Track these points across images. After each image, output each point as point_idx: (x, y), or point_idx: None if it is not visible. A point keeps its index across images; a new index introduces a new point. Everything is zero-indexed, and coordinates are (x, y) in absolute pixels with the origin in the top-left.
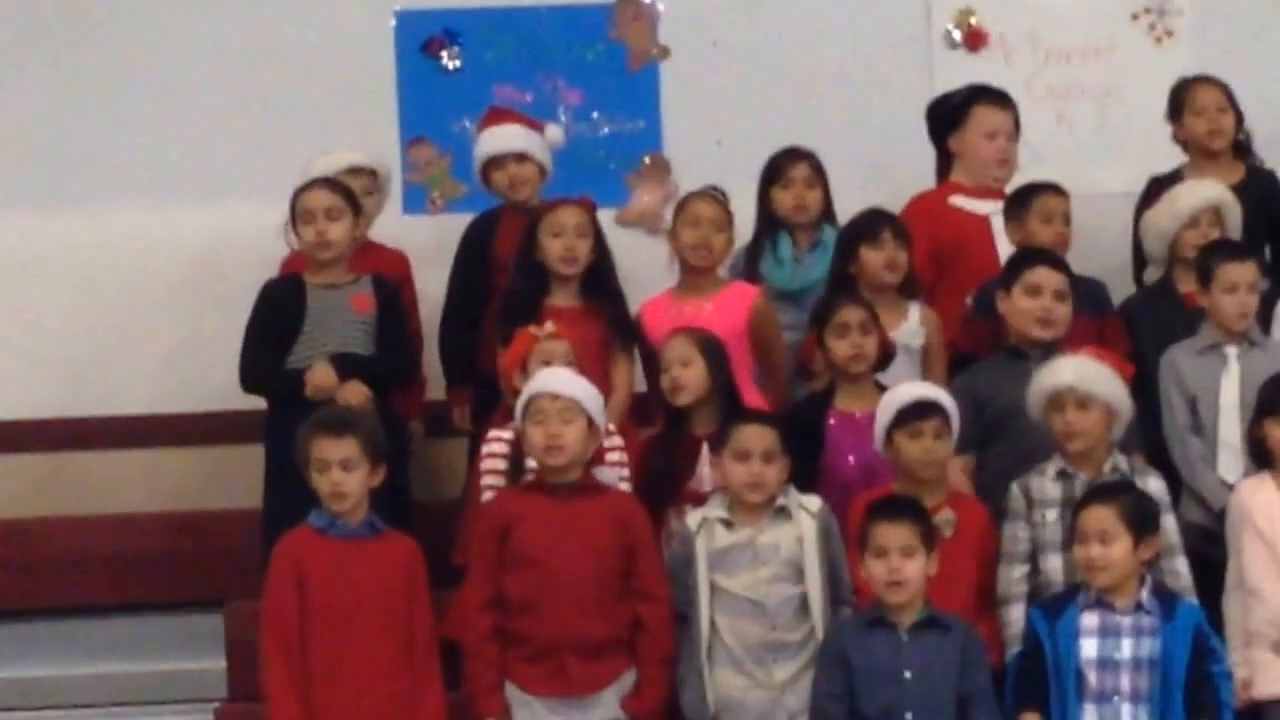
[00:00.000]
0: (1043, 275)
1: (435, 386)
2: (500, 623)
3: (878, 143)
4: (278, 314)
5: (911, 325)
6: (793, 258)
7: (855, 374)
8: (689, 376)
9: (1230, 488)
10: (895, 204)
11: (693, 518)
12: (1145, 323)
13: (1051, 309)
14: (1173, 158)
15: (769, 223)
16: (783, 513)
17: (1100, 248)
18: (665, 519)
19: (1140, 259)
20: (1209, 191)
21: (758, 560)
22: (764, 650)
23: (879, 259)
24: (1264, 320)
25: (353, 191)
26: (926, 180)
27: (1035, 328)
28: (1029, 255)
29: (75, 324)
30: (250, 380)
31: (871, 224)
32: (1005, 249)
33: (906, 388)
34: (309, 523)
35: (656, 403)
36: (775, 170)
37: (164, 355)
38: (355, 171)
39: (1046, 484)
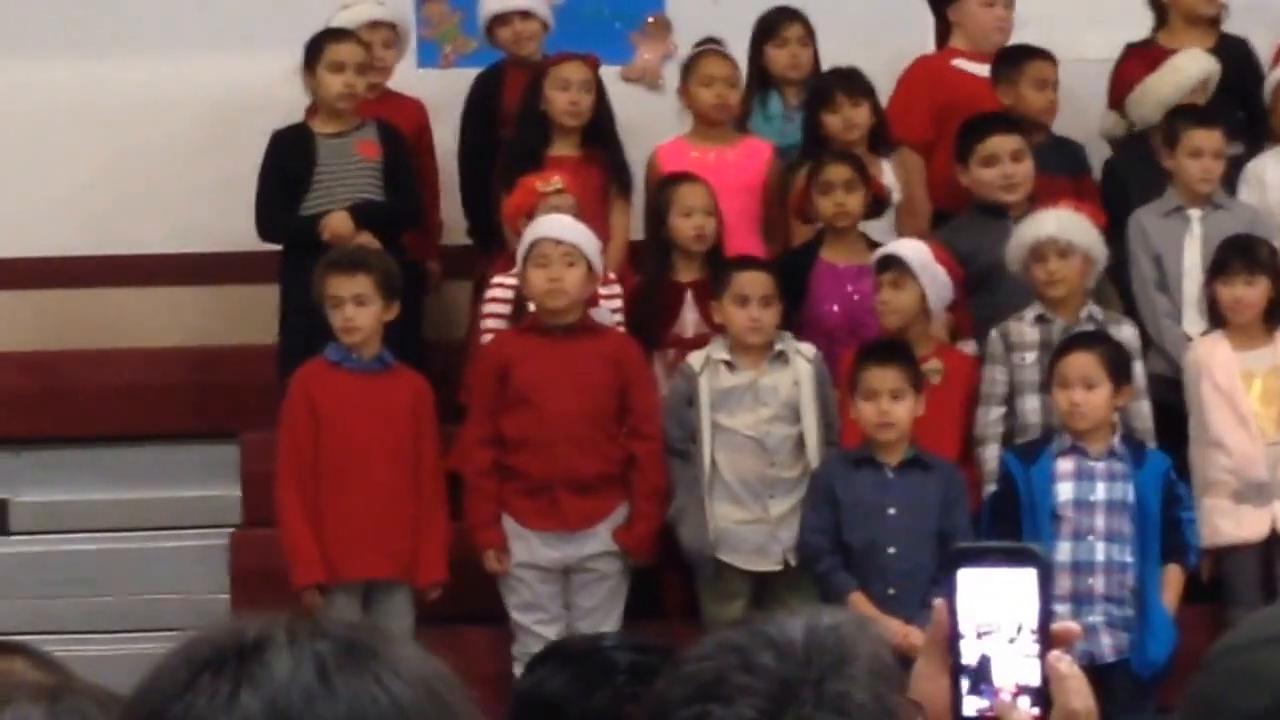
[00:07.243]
0: (995, 143)
1: (454, 230)
2: (499, 459)
3: (874, 5)
4: (288, 164)
5: (886, 179)
6: (782, 114)
7: (840, 228)
8: (712, 226)
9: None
10: (892, 67)
11: (696, 358)
12: (1129, 181)
13: (1011, 173)
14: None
15: (761, 79)
16: (780, 357)
17: (1081, 112)
18: (650, 363)
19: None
20: (1209, 62)
21: (758, 401)
22: (761, 486)
23: (836, 122)
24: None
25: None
26: (922, 44)
27: (999, 194)
28: (976, 126)
29: (104, 167)
30: (267, 230)
31: (825, 88)
32: None
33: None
34: (324, 355)
35: (649, 247)
36: (770, 28)
37: (187, 198)
38: (375, 25)
39: (1025, 328)
